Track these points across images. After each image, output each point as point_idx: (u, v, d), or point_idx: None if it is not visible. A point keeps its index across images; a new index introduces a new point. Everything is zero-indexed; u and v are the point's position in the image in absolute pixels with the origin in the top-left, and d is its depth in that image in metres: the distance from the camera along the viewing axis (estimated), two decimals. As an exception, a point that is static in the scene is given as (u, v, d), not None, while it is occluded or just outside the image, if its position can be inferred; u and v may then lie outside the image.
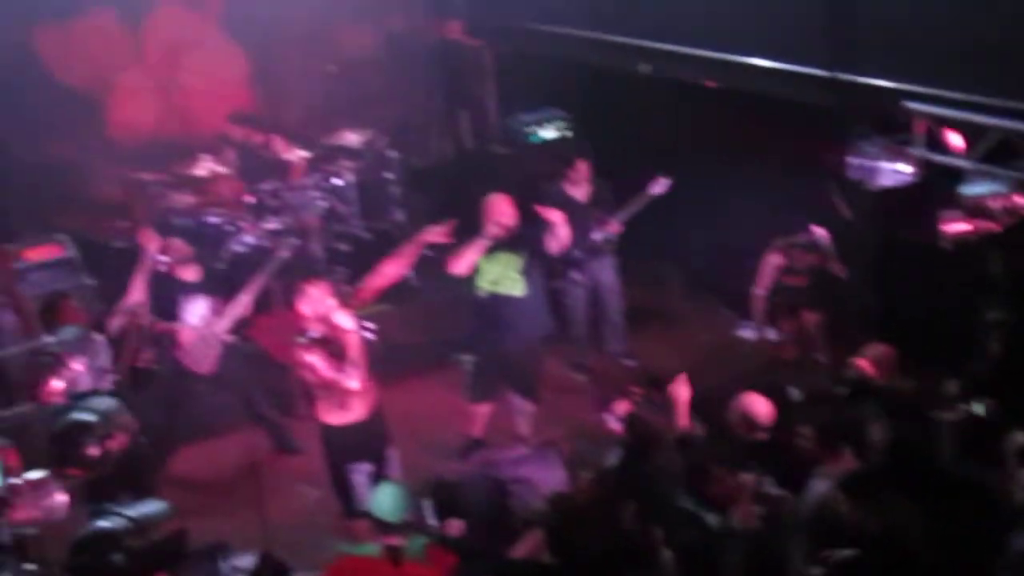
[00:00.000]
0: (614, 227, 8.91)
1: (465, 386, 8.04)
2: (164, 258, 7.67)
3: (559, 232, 7.54)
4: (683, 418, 6.21)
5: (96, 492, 4.11)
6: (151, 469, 7.00)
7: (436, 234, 7.12)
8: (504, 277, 7.67)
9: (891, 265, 7.53)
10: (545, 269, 8.00)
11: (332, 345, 6.66)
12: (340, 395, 6.75)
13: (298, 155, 10.26)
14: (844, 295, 8.01)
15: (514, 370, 7.88)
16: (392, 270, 7.03)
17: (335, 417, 6.84)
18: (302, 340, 6.63)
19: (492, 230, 7.39)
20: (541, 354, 8.10)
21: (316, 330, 6.62)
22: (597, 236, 8.90)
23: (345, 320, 6.64)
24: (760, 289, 8.43)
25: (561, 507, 5.00)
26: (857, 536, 4.57)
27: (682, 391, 6.10)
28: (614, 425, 6.30)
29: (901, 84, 6.51)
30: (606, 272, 9.11)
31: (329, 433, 6.95)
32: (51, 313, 6.86)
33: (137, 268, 7.68)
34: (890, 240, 7.42)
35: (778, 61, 7.46)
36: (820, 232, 7.84)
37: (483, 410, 7.96)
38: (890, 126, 6.71)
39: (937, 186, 6.49)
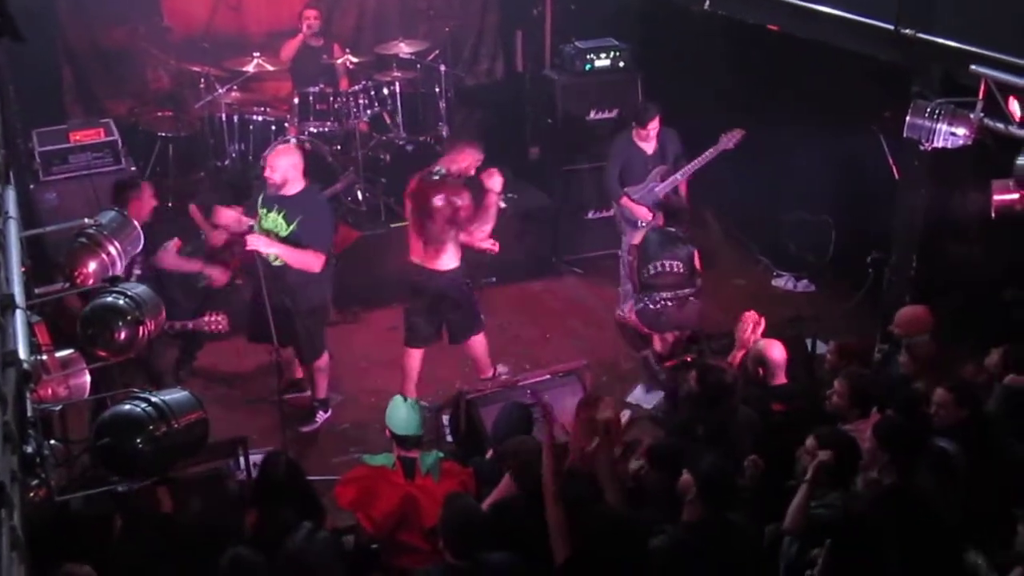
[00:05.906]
0: (678, 182, 8.63)
1: None
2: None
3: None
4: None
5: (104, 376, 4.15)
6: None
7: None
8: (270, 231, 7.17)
9: (934, 228, 7.41)
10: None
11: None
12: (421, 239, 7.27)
13: (348, 61, 10.20)
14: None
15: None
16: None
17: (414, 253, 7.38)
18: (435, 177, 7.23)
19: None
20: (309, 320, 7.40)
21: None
22: (659, 190, 8.61)
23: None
24: None
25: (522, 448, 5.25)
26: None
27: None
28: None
29: (968, 46, 6.35)
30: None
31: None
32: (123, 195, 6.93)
33: None
34: (936, 203, 7.31)
35: (846, 11, 7.27)
36: None
37: None
38: (951, 88, 6.56)
39: (991, 153, 6.36)
